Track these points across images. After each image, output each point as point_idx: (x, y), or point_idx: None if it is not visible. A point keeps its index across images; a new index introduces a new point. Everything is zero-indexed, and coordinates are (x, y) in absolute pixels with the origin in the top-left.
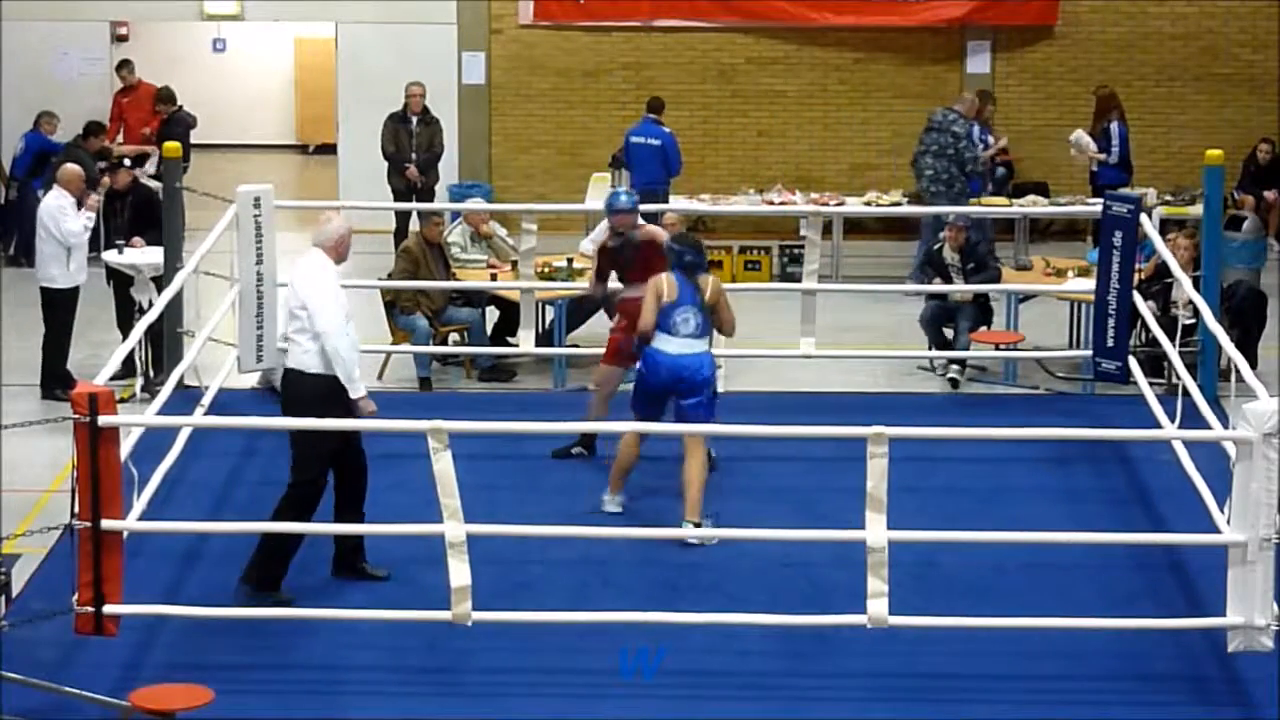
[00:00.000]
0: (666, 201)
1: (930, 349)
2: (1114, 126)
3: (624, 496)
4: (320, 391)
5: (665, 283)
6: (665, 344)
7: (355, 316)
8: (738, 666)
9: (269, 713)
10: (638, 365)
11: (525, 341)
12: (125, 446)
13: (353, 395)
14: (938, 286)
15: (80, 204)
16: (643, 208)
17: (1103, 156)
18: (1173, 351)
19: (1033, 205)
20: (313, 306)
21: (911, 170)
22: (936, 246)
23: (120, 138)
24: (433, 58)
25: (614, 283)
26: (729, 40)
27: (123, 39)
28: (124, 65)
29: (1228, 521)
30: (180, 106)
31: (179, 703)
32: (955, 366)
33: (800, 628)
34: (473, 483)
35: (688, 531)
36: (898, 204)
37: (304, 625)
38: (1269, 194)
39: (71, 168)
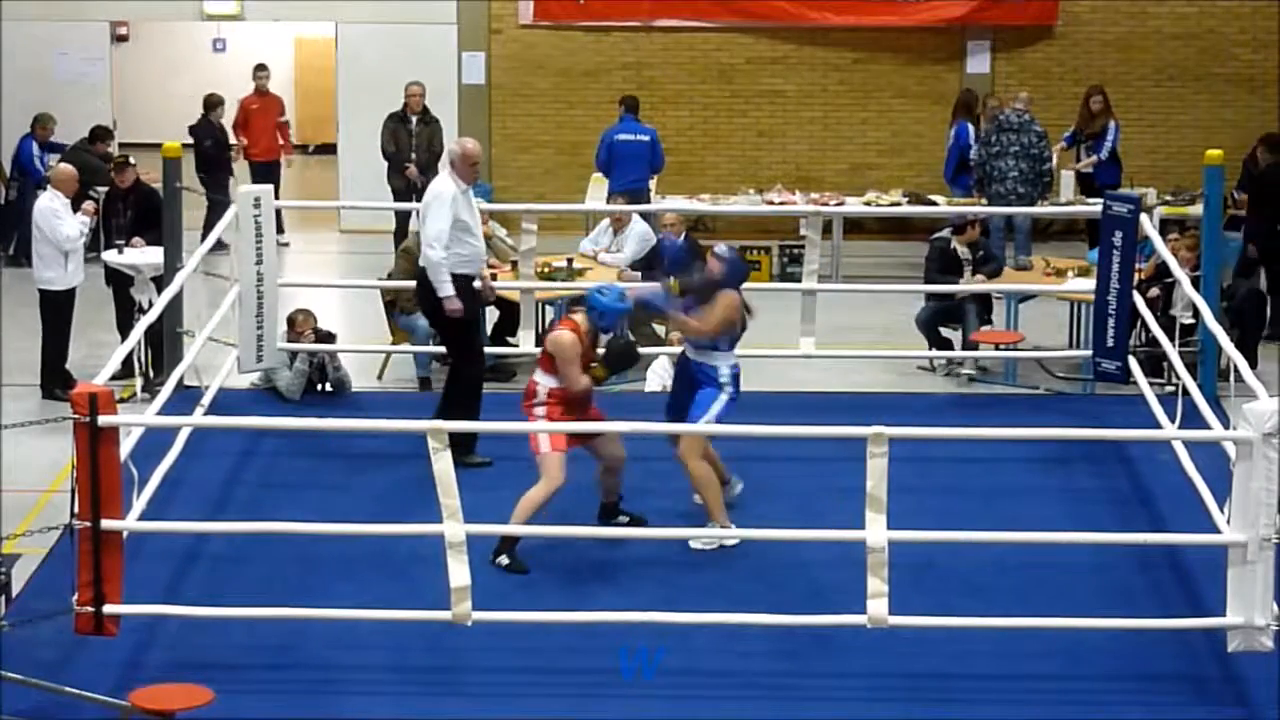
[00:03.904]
0: (649, 200)
1: (930, 349)
2: (1111, 125)
3: None
4: (458, 284)
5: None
6: None
7: (354, 316)
8: (738, 666)
9: (269, 713)
10: None
11: (525, 341)
12: (125, 446)
13: (441, 295)
14: (945, 286)
15: (75, 205)
16: (633, 208)
17: (1094, 160)
18: (1173, 351)
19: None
20: (425, 217)
21: (979, 172)
22: (951, 246)
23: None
24: (433, 58)
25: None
26: (729, 40)
27: (123, 39)
28: (261, 69)
29: (1228, 521)
30: (205, 117)
31: (179, 703)
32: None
33: (800, 628)
34: (473, 483)
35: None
36: (897, 204)
37: (304, 625)
38: None
39: (65, 168)
